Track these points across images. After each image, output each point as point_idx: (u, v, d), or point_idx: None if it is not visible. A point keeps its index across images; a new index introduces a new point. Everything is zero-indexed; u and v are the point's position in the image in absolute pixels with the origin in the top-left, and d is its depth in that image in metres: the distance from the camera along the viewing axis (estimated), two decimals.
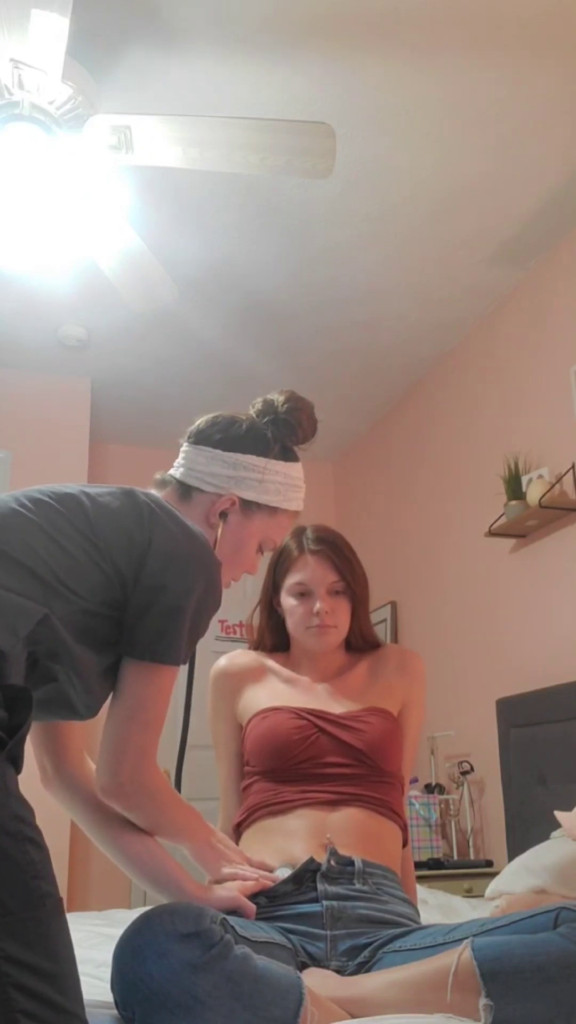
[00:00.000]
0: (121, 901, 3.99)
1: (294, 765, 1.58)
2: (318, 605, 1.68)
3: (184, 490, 1.44)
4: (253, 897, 1.39)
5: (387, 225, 3.15)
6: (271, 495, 1.44)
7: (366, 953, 1.34)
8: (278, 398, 1.48)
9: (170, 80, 2.50)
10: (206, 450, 1.44)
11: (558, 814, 2.22)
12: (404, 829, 1.64)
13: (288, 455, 1.48)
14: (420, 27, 2.34)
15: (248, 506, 1.43)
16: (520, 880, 2.27)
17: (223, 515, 1.42)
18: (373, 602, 1.87)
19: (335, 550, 1.70)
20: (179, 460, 1.47)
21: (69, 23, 1.89)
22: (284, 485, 1.46)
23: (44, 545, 1.18)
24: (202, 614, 1.26)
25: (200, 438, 1.46)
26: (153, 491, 1.44)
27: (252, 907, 1.35)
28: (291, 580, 1.71)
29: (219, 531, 1.41)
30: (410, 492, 4.32)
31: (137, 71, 2.47)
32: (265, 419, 1.47)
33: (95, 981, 1.29)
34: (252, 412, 1.49)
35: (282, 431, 1.47)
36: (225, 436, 1.44)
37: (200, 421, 1.49)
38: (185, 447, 1.47)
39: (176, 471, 1.46)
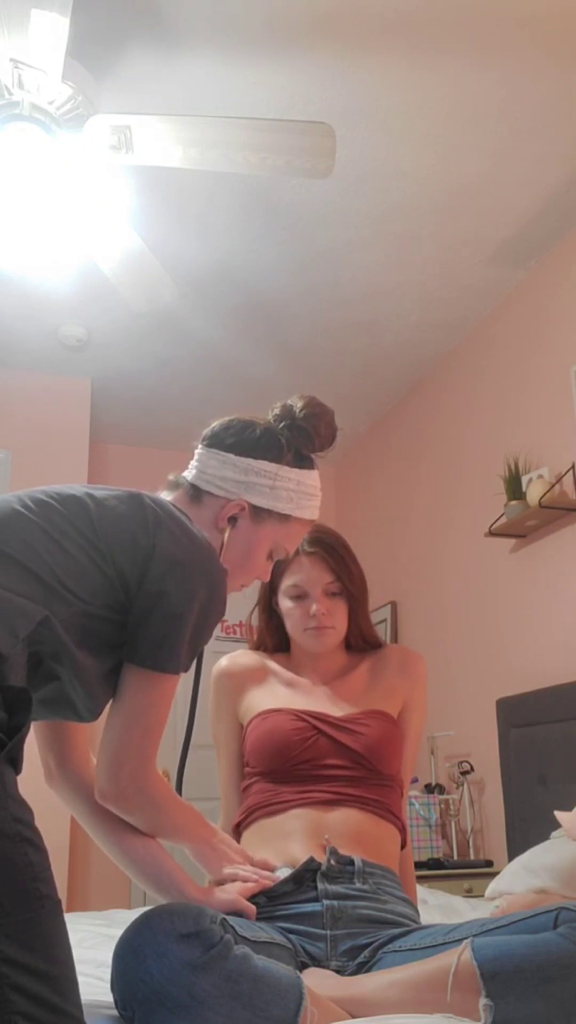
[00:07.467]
0: (121, 901, 3.99)
1: (293, 766, 1.58)
2: (314, 607, 1.67)
3: (195, 493, 1.42)
4: (253, 897, 1.39)
5: (387, 225, 3.15)
6: (282, 502, 1.41)
7: (366, 953, 1.34)
8: (297, 403, 1.45)
9: (170, 80, 2.50)
10: (218, 454, 1.42)
11: (558, 814, 2.22)
12: (403, 831, 1.64)
13: (303, 462, 1.45)
14: (420, 27, 2.34)
15: (258, 512, 1.41)
16: (520, 880, 2.27)
17: (232, 520, 1.41)
18: (373, 602, 1.86)
19: (330, 551, 1.69)
20: (192, 462, 1.45)
21: (69, 23, 1.89)
22: (297, 493, 1.43)
23: (45, 546, 1.18)
24: (205, 622, 1.25)
25: (213, 441, 1.44)
26: (165, 492, 1.44)
27: (252, 908, 1.35)
28: (287, 582, 1.71)
29: (226, 536, 1.40)
30: (410, 492, 4.32)
31: (137, 71, 2.47)
32: (281, 424, 1.44)
33: (95, 981, 1.29)
34: (270, 416, 1.46)
35: (298, 437, 1.44)
36: (238, 440, 1.42)
37: (215, 424, 1.46)
38: (199, 449, 1.45)
39: (188, 473, 1.45)
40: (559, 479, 3.04)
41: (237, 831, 1.63)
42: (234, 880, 1.40)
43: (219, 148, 2.18)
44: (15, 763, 1.01)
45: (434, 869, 3.21)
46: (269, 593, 1.76)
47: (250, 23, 2.33)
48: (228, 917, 1.17)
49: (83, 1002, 0.97)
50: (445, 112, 2.64)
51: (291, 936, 1.37)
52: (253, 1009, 1.04)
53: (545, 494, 3.00)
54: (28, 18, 1.87)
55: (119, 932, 1.15)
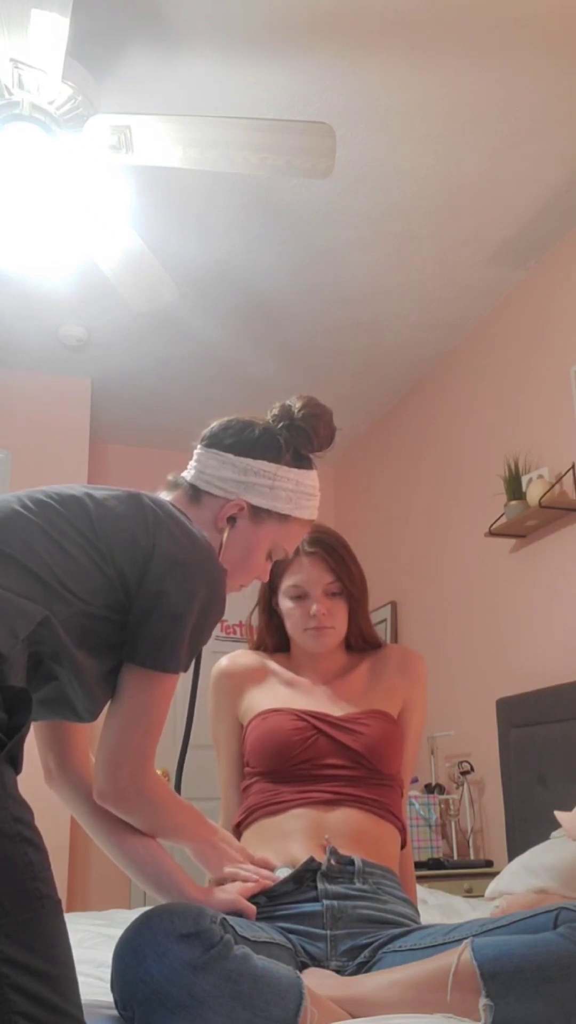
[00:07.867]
0: (121, 901, 3.99)
1: (293, 766, 1.58)
2: (314, 607, 1.67)
3: (194, 493, 1.42)
4: (253, 897, 1.39)
5: (387, 225, 3.15)
6: (281, 502, 1.42)
7: (366, 953, 1.34)
8: (296, 403, 1.46)
9: (170, 80, 2.50)
10: (217, 454, 1.42)
11: (558, 814, 2.22)
12: (403, 831, 1.64)
13: (302, 462, 1.46)
14: (420, 27, 2.34)
15: (257, 512, 1.41)
16: (520, 880, 2.27)
17: (231, 520, 1.41)
18: (373, 602, 1.86)
19: (330, 551, 1.70)
20: (191, 462, 1.46)
21: (69, 23, 1.89)
22: (296, 493, 1.43)
23: (45, 546, 1.18)
24: (205, 621, 1.25)
25: (212, 441, 1.44)
26: (164, 492, 1.44)
27: (252, 908, 1.35)
28: (287, 583, 1.71)
29: (225, 535, 1.40)
30: (410, 492, 4.32)
31: (137, 71, 2.47)
32: (280, 424, 1.44)
33: (95, 981, 1.29)
34: (268, 417, 1.47)
35: (296, 438, 1.44)
36: (237, 440, 1.42)
37: (214, 424, 1.47)
38: (198, 450, 1.46)
39: (188, 473, 1.45)
40: (559, 479, 3.04)
41: (237, 831, 1.63)
42: (234, 880, 1.40)
43: (219, 148, 2.18)
44: (15, 763, 1.01)
45: (434, 869, 3.21)
46: (269, 593, 1.76)
47: (250, 23, 2.33)
48: (228, 917, 1.17)
49: (83, 1002, 0.97)
50: (445, 112, 2.64)
51: (291, 936, 1.37)
52: (253, 1009, 1.04)
53: (545, 494, 3.00)
54: (28, 18, 1.87)
55: (119, 932, 1.15)
